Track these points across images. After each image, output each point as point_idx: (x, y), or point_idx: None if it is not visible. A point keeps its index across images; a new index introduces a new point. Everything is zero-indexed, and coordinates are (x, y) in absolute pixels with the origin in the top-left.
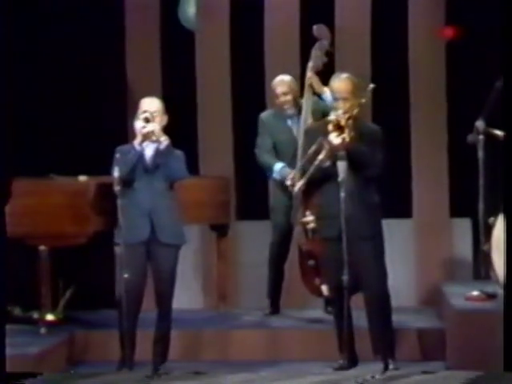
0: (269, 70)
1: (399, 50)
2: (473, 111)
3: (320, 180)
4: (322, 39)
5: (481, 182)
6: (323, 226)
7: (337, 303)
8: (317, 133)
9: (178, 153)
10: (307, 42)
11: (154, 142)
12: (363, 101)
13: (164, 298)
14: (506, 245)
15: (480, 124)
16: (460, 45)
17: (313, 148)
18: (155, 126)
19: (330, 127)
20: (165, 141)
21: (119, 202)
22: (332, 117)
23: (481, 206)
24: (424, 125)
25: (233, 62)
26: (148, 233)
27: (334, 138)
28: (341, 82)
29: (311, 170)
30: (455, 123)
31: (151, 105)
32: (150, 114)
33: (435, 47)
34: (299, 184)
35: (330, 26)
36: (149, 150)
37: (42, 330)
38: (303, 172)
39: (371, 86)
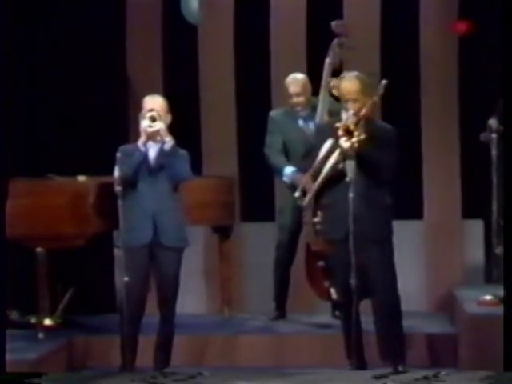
0: (274, 66)
1: (410, 46)
2: (486, 109)
3: (332, 180)
4: (341, 36)
5: (494, 181)
6: (330, 227)
7: (344, 308)
8: (328, 132)
9: (183, 153)
10: (314, 38)
11: (157, 142)
12: (376, 99)
13: (167, 303)
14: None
15: (493, 122)
16: (473, 40)
17: (323, 151)
18: (162, 125)
19: (340, 132)
20: (170, 141)
21: (120, 202)
22: (341, 122)
23: (494, 207)
24: (435, 123)
25: (237, 58)
26: (151, 236)
27: (344, 143)
28: (349, 82)
29: (322, 176)
30: (467, 121)
31: (155, 103)
32: (156, 113)
33: (447, 43)
34: (308, 196)
35: None
36: (152, 151)
37: (40, 335)
38: (315, 176)
39: (384, 82)
